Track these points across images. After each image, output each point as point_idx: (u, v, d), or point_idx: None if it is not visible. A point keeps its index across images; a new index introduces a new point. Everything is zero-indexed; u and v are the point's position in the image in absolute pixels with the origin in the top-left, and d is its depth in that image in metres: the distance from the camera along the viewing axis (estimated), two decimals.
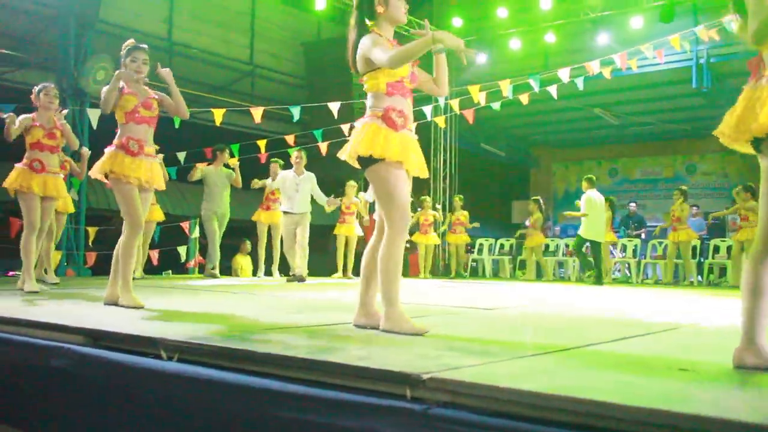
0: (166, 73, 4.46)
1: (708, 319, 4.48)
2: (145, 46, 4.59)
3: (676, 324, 3.99)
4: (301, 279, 8.43)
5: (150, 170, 4.42)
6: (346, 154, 3.30)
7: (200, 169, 9.06)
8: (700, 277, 11.77)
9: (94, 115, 8.84)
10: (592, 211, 10.25)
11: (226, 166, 9.28)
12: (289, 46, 15.70)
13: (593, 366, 2.35)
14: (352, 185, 10.40)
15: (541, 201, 12.30)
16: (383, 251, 3.18)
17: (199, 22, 13.87)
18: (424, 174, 3.38)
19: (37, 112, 5.76)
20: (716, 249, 11.67)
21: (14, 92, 5.55)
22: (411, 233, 11.36)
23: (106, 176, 4.38)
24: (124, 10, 12.46)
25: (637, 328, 3.69)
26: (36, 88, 5.85)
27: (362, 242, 10.65)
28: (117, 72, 4.42)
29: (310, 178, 8.85)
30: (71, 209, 7.93)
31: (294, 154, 8.97)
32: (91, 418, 2.62)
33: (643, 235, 13.18)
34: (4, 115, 5.67)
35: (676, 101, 14.61)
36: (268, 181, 9.54)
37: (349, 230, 10.35)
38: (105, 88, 4.39)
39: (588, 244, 10.48)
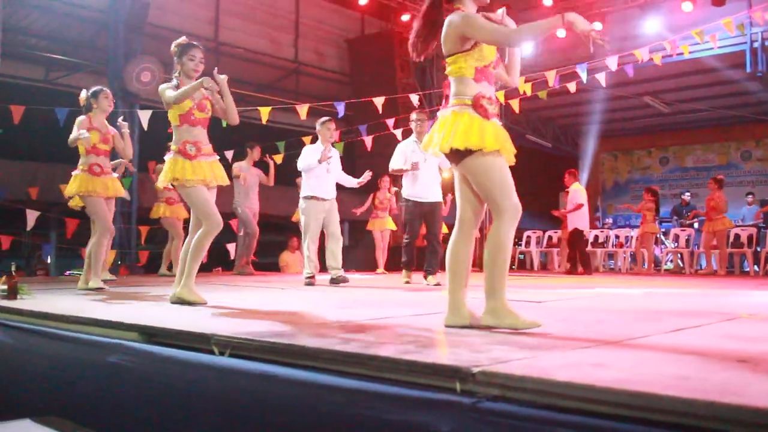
0: (222, 79, 4.39)
1: (767, 309, 4.35)
2: (198, 43, 4.55)
3: (732, 314, 3.89)
4: (343, 279, 6.82)
5: (211, 170, 4.39)
6: (433, 147, 3.04)
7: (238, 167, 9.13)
8: (756, 267, 11.45)
9: (144, 117, 9.02)
10: None
11: (257, 164, 9.35)
12: (332, 42, 15.81)
13: (647, 358, 2.31)
14: (386, 180, 10.42)
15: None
16: (494, 242, 2.93)
17: (244, 22, 14.07)
18: (511, 161, 3.09)
19: (92, 114, 5.81)
20: None
21: (67, 96, 5.67)
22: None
23: (174, 185, 4.42)
24: (172, 12, 12.70)
25: (692, 319, 3.61)
26: (90, 90, 5.89)
27: (394, 236, 10.74)
28: (203, 80, 4.27)
29: (336, 155, 7.30)
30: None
31: (321, 125, 7.17)
32: (145, 412, 2.68)
33: (696, 225, 12.90)
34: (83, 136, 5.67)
35: (730, 86, 14.19)
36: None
37: (382, 224, 10.41)
38: (173, 93, 4.33)
39: None
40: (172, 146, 4.42)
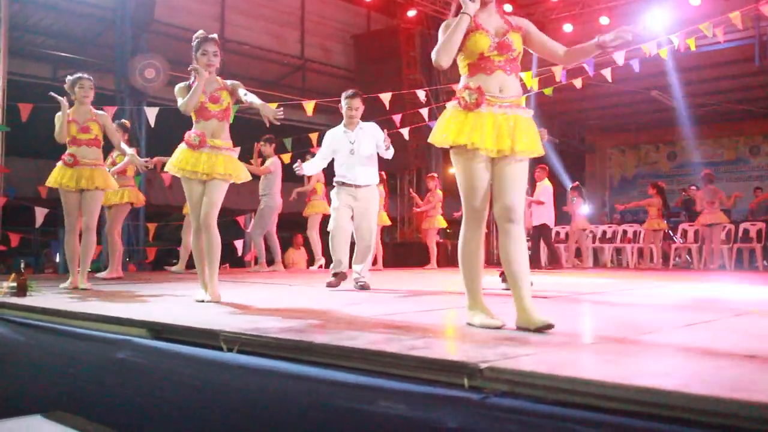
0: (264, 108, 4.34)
1: None
2: (215, 36, 4.47)
3: (741, 310, 3.88)
4: (363, 286, 5.64)
5: (212, 162, 4.30)
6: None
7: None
8: (766, 262, 11.40)
9: (151, 114, 9.03)
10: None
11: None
12: (339, 38, 15.80)
13: (655, 354, 2.30)
14: (381, 174, 10.39)
15: (582, 188, 12.48)
16: (459, 243, 3.02)
17: (250, 19, 14.08)
18: (527, 154, 3.00)
19: (72, 106, 5.64)
20: None
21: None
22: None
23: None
24: (178, 9, 12.72)
25: (700, 315, 3.60)
26: (69, 79, 5.70)
27: (386, 232, 10.69)
28: (198, 73, 4.27)
29: (371, 131, 5.93)
30: (130, 199, 7.47)
31: (343, 100, 6.01)
32: (154, 408, 2.69)
33: None
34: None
35: (738, 81, 14.11)
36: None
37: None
38: (181, 102, 4.33)
39: None
40: None
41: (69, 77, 5.73)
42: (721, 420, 1.53)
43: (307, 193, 9.71)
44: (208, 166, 4.30)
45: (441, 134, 3.00)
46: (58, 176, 5.58)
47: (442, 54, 2.98)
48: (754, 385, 1.77)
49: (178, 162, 4.32)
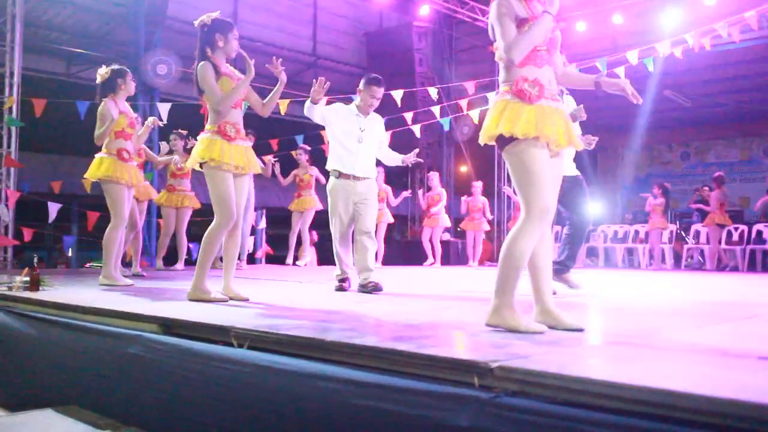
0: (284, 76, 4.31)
1: None
2: None
3: (753, 312, 3.85)
4: (375, 287, 4.98)
5: (246, 154, 4.20)
6: (481, 137, 2.91)
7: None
8: None
9: (163, 110, 9.06)
10: None
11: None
12: (351, 36, 15.83)
13: (667, 355, 2.29)
14: (380, 172, 10.42)
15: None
16: (510, 237, 2.75)
17: (263, 16, 14.15)
18: (576, 146, 2.91)
19: (115, 95, 5.41)
20: None
21: (88, 90, 5.65)
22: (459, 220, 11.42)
23: (201, 165, 4.12)
24: (191, 6, 12.75)
25: (713, 317, 3.58)
26: (116, 68, 5.45)
27: (395, 230, 10.72)
28: (247, 65, 4.19)
29: (379, 125, 5.46)
30: (152, 195, 7.68)
31: (364, 85, 5.32)
32: (164, 403, 2.70)
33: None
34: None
35: (753, 81, 14.01)
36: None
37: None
38: (220, 98, 4.11)
39: None
40: (209, 126, 4.17)
41: (107, 67, 5.45)
42: (731, 422, 1.52)
43: (297, 186, 9.67)
44: (245, 160, 4.17)
45: (505, 126, 2.75)
46: (119, 171, 5.32)
47: (521, 52, 2.79)
48: (765, 387, 1.76)
49: (222, 155, 4.05)
